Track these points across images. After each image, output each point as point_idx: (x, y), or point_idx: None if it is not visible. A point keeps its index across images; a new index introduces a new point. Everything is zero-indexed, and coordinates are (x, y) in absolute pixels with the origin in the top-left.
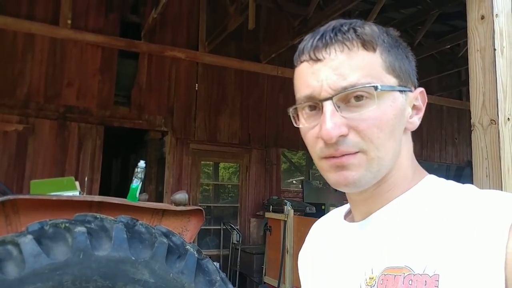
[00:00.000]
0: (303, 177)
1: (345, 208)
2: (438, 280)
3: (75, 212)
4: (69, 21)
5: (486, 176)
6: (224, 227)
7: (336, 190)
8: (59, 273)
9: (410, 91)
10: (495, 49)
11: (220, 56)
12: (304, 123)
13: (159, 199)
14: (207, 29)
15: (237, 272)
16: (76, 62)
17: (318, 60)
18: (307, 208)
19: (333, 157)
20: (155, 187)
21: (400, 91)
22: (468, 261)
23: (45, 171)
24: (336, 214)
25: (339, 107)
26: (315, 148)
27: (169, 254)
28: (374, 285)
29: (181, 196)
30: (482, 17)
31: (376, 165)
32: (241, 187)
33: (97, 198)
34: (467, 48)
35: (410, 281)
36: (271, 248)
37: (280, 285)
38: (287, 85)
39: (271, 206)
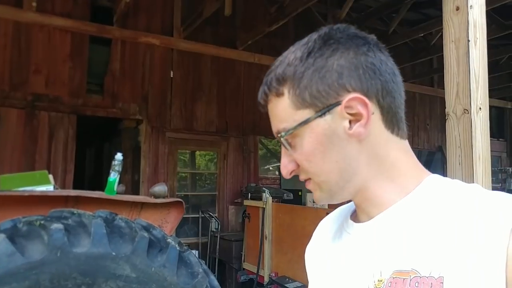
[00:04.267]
0: (279, 164)
1: (351, 206)
2: (442, 282)
3: (50, 208)
4: (34, 4)
5: (459, 164)
6: (203, 215)
7: None
8: (35, 272)
9: (337, 105)
10: (469, 40)
11: (196, 42)
12: None
13: (135, 188)
14: (182, 14)
15: (216, 259)
16: (44, 48)
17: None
18: (285, 194)
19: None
20: (131, 176)
21: (320, 115)
22: (470, 263)
23: (13, 163)
24: (343, 212)
25: (290, 144)
26: None
27: (150, 248)
28: None
29: (160, 188)
30: (457, 8)
31: (326, 187)
32: (219, 175)
33: (73, 192)
34: (439, 37)
35: (417, 283)
36: (250, 235)
37: (259, 271)
38: (264, 72)
39: (249, 194)
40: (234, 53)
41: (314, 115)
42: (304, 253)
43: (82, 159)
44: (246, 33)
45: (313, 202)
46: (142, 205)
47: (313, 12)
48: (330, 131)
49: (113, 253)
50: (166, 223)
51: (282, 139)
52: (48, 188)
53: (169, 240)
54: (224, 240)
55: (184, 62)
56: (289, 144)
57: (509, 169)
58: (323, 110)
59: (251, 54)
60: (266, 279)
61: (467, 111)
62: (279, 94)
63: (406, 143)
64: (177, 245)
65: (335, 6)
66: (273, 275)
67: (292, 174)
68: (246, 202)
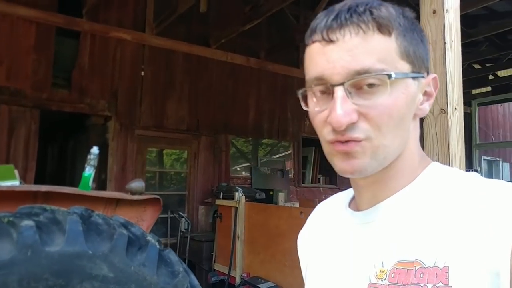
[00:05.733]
0: (247, 164)
1: (349, 193)
2: (448, 272)
3: (17, 204)
4: None
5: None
6: (172, 215)
7: (283, 176)
8: (2, 273)
9: (423, 77)
10: (445, 43)
11: (168, 39)
12: (314, 107)
13: (102, 187)
14: (155, 10)
15: (186, 260)
16: (5, 38)
17: (331, 41)
18: (257, 194)
19: (339, 141)
20: (97, 175)
21: (413, 77)
22: (476, 252)
23: None
24: (339, 200)
25: (350, 93)
26: (323, 132)
27: (129, 246)
28: (385, 279)
29: (138, 184)
30: (434, 12)
31: (382, 152)
32: (189, 174)
33: (44, 188)
34: None
35: (422, 274)
36: (221, 235)
37: (231, 271)
38: (237, 71)
39: (221, 193)
40: (207, 51)
41: (411, 73)
42: (278, 253)
43: (44, 156)
44: (220, 32)
45: (284, 202)
46: (117, 202)
47: (286, 14)
48: (414, 97)
49: (90, 252)
50: (142, 221)
51: (368, 78)
52: (13, 183)
53: (148, 238)
54: (194, 241)
55: (156, 59)
56: (361, 89)
57: (477, 168)
58: (418, 73)
59: (224, 53)
60: (237, 280)
61: (443, 111)
62: (385, 31)
63: None
64: (157, 243)
65: (308, 8)
66: (245, 275)
67: (348, 127)
68: (218, 202)
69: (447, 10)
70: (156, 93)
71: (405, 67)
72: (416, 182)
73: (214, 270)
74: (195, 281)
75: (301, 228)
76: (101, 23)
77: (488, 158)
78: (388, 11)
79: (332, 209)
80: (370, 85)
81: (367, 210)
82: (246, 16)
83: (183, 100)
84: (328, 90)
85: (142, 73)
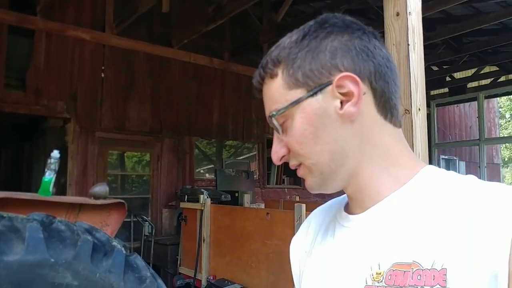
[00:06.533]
0: (211, 166)
1: (344, 198)
2: (445, 274)
3: None
4: None
5: None
6: (135, 219)
7: (248, 177)
8: None
9: (328, 84)
10: (408, 44)
11: (129, 39)
12: None
13: (62, 192)
14: (114, 9)
15: (151, 264)
16: None
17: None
18: (223, 196)
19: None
20: (57, 179)
21: (311, 95)
22: (474, 254)
23: None
24: (335, 204)
25: (281, 131)
26: None
27: (94, 253)
28: (381, 281)
29: (101, 188)
30: (398, 14)
31: (316, 170)
32: (152, 177)
33: (1, 194)
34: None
35: (419, 276)
36: (187, 238)
37: (197, 274)
38: (200, 72)
39: (185, 196)
40: (169, 52)
41: (306, 94)
42: (244, 254)
43: None
44: (182, 32)
45: (249, 203)
46: (80, 207)
47: (250, 15)
48: (321, 111)
49: (52, 260)
50: (107, 226)
51: (274, 120)
52: None
53: (114, 243)
54: (159, 245)
55: (117, 59)
56: (281, 127)
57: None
58: (315, 89)
59: (186, 53)
60: (203, 283)
61: (408, 111)
62: (273, 76)
63: (400, 132)
64: (123, 249)
65: (271, 10)
66: (211, 278)
67: (283, 161)
68: (183, 205)
69: (410, 12)
70: (117, 94)
71: (296, 93)
72: (410, 184)
73: (180, 273)
74: (163, 286)
75: (267, 229)
76: (57, 21)
77: (446, 157)
78: (273, 56)
79: (327, 214)
80: (282, 124)
81: (360, 213)
82: (209, 16)
83: (145, 101)
84: None
85: (103, 74)
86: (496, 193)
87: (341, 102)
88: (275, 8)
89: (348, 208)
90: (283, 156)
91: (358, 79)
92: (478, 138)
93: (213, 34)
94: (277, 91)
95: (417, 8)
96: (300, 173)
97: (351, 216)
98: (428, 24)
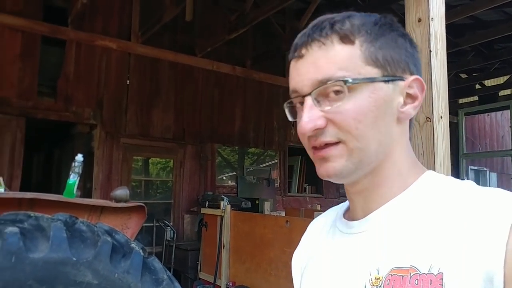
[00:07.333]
0: (233, 173)
1: (343, 206)
2: (442, 279)
3: (2, 211)
4: None
5: None
6: (157, 224)
7: (269, 185)
8: None
9: (401, 79)
10: (430, 51)
11: (154, 47)
12: (296, 118)
13: (88, 196)
14: (140, 19)
15: (171, 269)
16: None
17: (300, 57)
18: (243, 203)
19: (316, 148)
20: (83, 183)
21: (385, 81)
22: (470, 258)
23: None
24: (334, 213)
25: (318, 101)
26: (304, 140)
27: (114, 253)
28: (380, 286)
29: (122, 192)
30: (419, 20)
31: (357, 155)
32: (175, 183)
33: (29, 195)
34: None
35: (416, 280)
36: (207, 244)
37: (216, 280)
38: (223, 80)
39: (206, 202)
40: (192, 60)
41: (381, 77)
42: (263, 262)
43: (29, 165)
44: (205, 40)
45: (269, 211)
46: (102, 210)
47: (273, 23)
48: (390, 99)
49: (74, 259)
50: (127, 229)
51: (330, 86)
52: None
53: (132, 245)
54: (180, 250)
55: (141, 67)
56: (327, 97)
57: (464, 178)
58: (391, 77)
59: (209, 62)
60: None
61: (429, 119)
62: (348, 41)
63: None
64: (141, 251)
65: (293, 18)
66: (231, 284)
67: (315, 132)
68: (204, 210)
69: (432, 18)
70: (141, 101)
71: (372, 71)
72: (411, 189)
73: (200, 279)
74: None
75: (286, 237)
76: (86, 31)
77: (475, 168)
78: (352, 22)
79: (327, 222)
80: (337, 92)
81: (361, 219)
82: (232, 24)
83: (169, 108)
84: (302, 101)
85: (128, 81)
86: (492, 197)
87: (403, 101)
88: (298, 16)
89: (347, 215)
90: (318, 128)
91: (425, 86)
92: (510, 148)
93: (236, 42)
94: (349, 59)
95: (440, 14)
96: (332, 152)
97: (350, 223)
98: (456, 30)
